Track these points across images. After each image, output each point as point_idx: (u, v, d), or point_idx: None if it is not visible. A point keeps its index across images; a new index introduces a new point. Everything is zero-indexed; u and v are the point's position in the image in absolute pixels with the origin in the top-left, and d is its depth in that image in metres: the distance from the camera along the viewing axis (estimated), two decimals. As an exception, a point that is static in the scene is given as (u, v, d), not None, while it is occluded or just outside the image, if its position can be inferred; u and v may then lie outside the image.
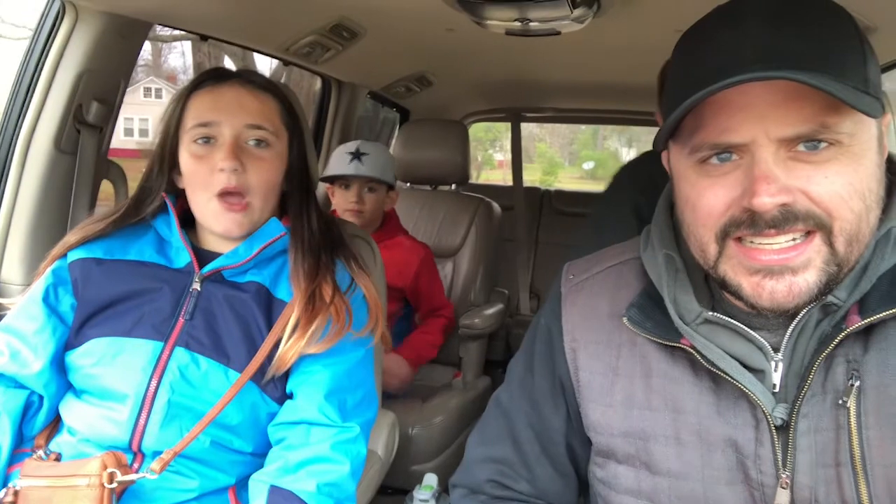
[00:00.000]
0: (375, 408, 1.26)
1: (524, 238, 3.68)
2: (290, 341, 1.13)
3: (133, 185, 1.68)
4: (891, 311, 0.73)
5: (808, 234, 0.73)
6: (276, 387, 1.16)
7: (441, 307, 2.49)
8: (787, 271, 0.73)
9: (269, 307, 1.18)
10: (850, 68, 0.71)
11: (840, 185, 0.71)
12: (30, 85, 1.51)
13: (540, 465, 0.95)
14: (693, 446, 0.82)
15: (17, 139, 1.51)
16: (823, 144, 0.71)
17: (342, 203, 2.31)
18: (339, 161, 2.32)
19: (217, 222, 1.17)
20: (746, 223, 0.73)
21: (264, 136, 1.19)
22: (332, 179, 2.35)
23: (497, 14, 1.69)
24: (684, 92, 0.71)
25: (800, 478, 0.76)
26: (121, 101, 1.65)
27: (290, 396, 1.19)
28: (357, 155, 2.29)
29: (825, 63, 0.69)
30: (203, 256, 1.20)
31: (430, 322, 2.45)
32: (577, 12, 1.63)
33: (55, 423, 1.19)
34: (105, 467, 1.02)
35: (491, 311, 2.68)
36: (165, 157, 1.21)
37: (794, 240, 0.73)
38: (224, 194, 1.16)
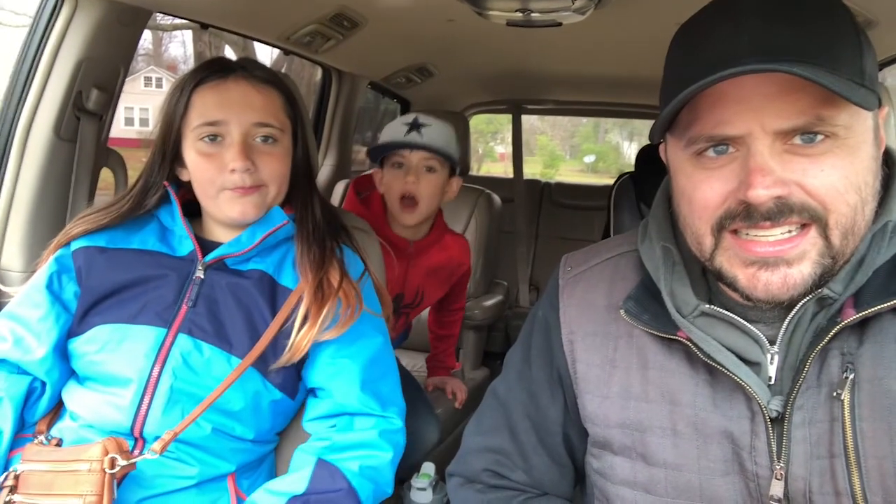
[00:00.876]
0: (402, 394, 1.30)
1: (524, 230, 3.69)
2: (303, 330, 1.14)
3: (132, 174, 1.68)
4: (886, 305, 0.73)
5: (804, 226, 0.73)
6: (279, 374, 1.17)
7: (462, 305, 2.32)
8: (781, 263, 0.74)
9: (273, 294, 1.19)
10: (846, 61, 0.71)
11: (836, 177, 0.71)
12: (29, 72, 1.50)
13: (536, 455, 0.96)
14: (689, 438, 0.82)
15: (16, 126, 1.51)
16: (819, 137, 0.71)
17: (394, 187, 1.84)
18: (393, 132, 1.87)
19: (232, 208, 1.17)
20: (742, 215, 0.74)
21: (271, 132, 1.19)
22: (380, 154, 1.89)
23: (498, 4, 1.69)
24: (680, 84, 0.72)
25: (794, 469, 0.76)
26: (120, 89, 1.64)
27: (313, 392, 1.22)
28: (415, 125, 1.83)
29: (821, 56, 0.69)
30: (206, 245, 1.21)
31: (453, 326, 2.31)
32: (579, 3, 1.63)
33: (57, 409, 1.20)
34: (106, 452, 1.03)
35: (490, 302, 2.68)
36: (168, 152, 1.21)
37: (789, 232, 0.73)
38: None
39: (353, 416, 1.20)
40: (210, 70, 1.20)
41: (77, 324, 1.17)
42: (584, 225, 3.70)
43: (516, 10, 1.71)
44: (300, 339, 1.14)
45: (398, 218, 1.87)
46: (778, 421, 0.77)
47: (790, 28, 0.71)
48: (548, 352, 0.96)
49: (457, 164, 1.92)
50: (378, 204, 1.92)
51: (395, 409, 1.23)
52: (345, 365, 1.19)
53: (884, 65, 1.90)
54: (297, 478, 1.13)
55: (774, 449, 0.77)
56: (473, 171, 3.25)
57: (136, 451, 1.10)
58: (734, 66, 0.68)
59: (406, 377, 1.65)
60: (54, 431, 1.15)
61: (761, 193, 0.71)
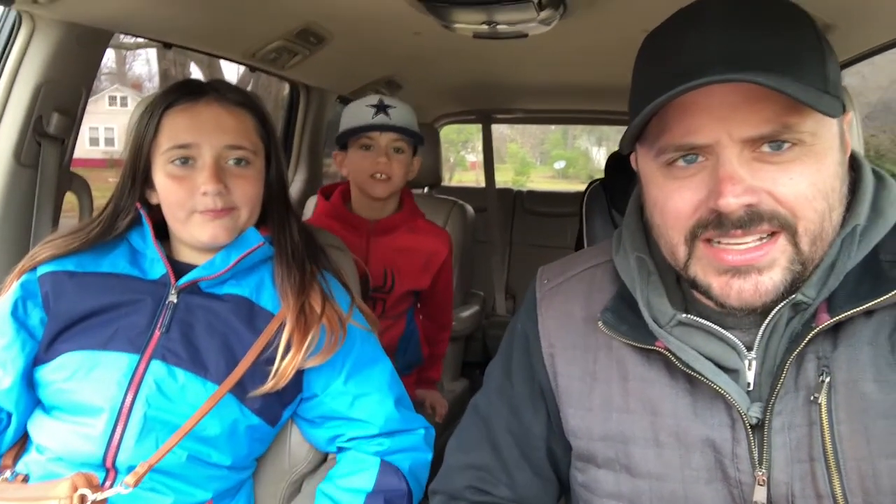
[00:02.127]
0: None
1: (498, 239, 3.70)
2: (287, 357, 1.12)
3: (97, 194, 1.64)
4: (858, 309, 0.74)
5: (773, 234, 0.74)
6: (257, 399, 1.14)
7: (449, 322, 2.23)
8: (753, 271, 0.74)
9: (252, 318, 1.17)
10: (810, 69, 0.72)
11: (804, 185, 0.72)
12: (-13, 98, 1.47)
13: (520, 469, 0.95)
14: (672, 447, 0.82)
15: (-25, 153, 1.47)
16: (787, 145, 0.72)
17: (366, 167, 1.87)
18: (358, 115, 1.89)
19: (203, 231, 1.15)
20: (713, 224, 0.74)
21: (244, 155, 1.17)
22: (346, 139, 1.92)
23: (464, 17, 1.69)
24: (648, 95, 0.72)
25: (776, 474, 0.77)
26: (83, 112, 1.61)
27: (329, 419, 1.21)
28: (382, 108, 1.87)
29: (785, 64, 0.70)
30: (179, 268, 1.18)
31: (440, 346, 2.26)
32: (544, 14, 1.64)
33: (22, 442, 1.16)
34: (75, 489, 1.00)
35: (467, 313, 2.68)
36: (138, 175, 1.18)
37: (760, 239, 0.74)
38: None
39: (397, 433, 1.23)
40: (180, 93, 1.17)
41: (44, 351, 1.13)
42: (558, 232, 3.72)
43: (482, 23, 1.72)
44: (285, 367, 1.12)
45: (370, 191, 1.89)
46: (758, 427, 0.78)
47: (755, 37, 0.71)
48: (528, 366, 0.95)
49: (421, 143, 1.99)
50: (337, 195, 1.98)
51: (422, 418, 1.28)
52: (373, 389, 1.21)
53: (842, 67, 1.95)
54: (362, 477, 1.18)
55: (756, 455, 0.78)
56: (445, 181, 3.23)
57: (108, 483, 1.06)
58: (701, 76, 0.69)
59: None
60: (20, 466, 1.11)
61: (731, 202, 0.71)
